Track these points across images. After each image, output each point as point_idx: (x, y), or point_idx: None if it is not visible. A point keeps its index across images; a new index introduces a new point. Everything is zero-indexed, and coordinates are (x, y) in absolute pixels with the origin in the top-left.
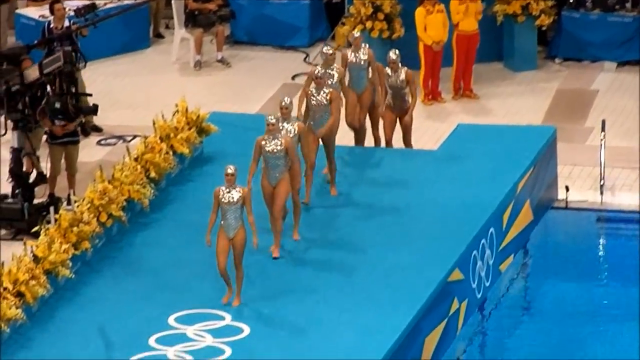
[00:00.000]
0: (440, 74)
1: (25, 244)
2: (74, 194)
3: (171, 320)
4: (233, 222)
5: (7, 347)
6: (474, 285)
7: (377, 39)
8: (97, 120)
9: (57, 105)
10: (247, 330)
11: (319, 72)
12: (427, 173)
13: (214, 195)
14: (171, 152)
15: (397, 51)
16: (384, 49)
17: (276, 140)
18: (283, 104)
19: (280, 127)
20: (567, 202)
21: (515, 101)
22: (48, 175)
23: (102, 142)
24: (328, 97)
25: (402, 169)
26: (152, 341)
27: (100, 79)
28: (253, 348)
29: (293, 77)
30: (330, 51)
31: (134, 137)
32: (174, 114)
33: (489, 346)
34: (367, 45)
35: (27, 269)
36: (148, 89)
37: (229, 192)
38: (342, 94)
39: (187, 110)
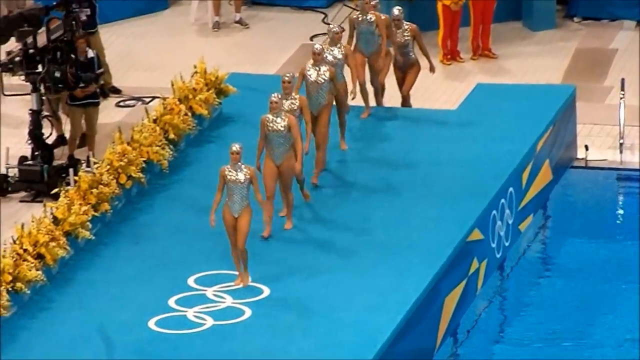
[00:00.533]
0: (459, 34)
1: (44, 205)
2: (93, 156)
3: (191, 281)
4: (238, 201)
5: (27, 308)
6: (494, 245)
7: None
8: (115, 81)
9: (57, 74)
10: (267, 291)
11: (318, 48)
12: (446, 133)
13: (220, 175)
14: (190, 114)
15: (400, 8)
16: (404, 10)
17: (279, 119)
18: (285, 78)
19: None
20: (586, 161)
21: (534, 60)
22: (68, 137)
23: (121, 103)
24: (327, 75)
25: (421, 129)
26: (171, 302)
27: (119, 41)
28: (273, 309)
29: (311, 38)
30: (337, 30)
31: (153, 98)
32: (192, 75)
33: (508, 306)
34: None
35: (47, 230)
36: (166, 51)
37: (234, 170)
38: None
39: (205, 71)
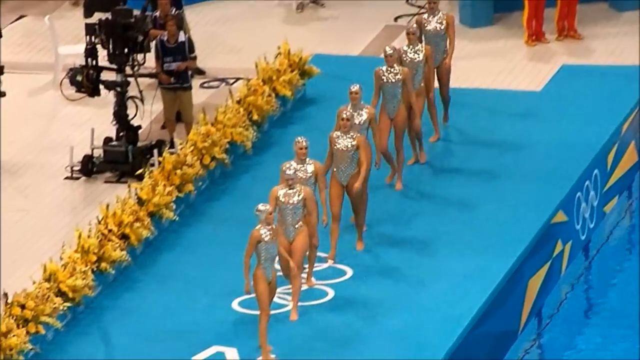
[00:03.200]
0: (545, 14)
1: (129, 186)
2: (172, 139)
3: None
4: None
5: (112, 288)
6: (578, 227)
7: None
8: (200, 63)
9: (79, 77)
10: (349, 272)
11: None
12: (531, 114)
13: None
14: (273, 95)
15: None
16: None
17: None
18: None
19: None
20: None
21: (620, 41)
22: (164, 120)
23: (205, 85)
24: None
25: (505, 110)
26: None
27: (203, 22)
28: (356, 290)
29: (395, 19)
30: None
31: (237, 79)
32: (276, 57)
33: (593, 288)
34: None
35: (132, 211)
36: (250, 32)
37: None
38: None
39: (289, 52)
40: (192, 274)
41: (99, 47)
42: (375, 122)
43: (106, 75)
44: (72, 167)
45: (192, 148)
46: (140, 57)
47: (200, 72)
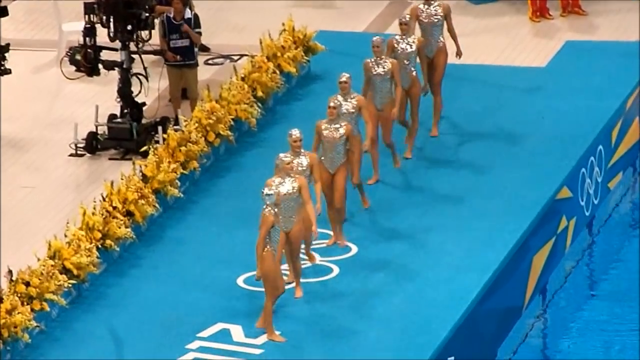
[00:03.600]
0: None
1: (134, 163)
2: (176, 116)
3: None
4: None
5: (117, 265)
6: (583, 203)
7: None
8: (204, 39)
9: (78, 57)
10: (354, 249)
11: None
12: (535, 90)
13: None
14: (278, 71)
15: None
16: None
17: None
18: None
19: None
20: None
21: (624, 17)
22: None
23: (210, 61)
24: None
25: (510, 86)
26: None
27: None
28: (361, 267)
29: None
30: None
31: (241, 56)
32: (280, 33)
33: (597, 263)
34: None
35: (136, 188)
36: (255, 9)
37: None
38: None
39: (293, 29)
40: (197, 251)
41: (98, 26)
42: (367, 110)
43: (107, 56)
44: (76, 144)
45: (196, 125)
46: (145, 34)
47: (205, 49)
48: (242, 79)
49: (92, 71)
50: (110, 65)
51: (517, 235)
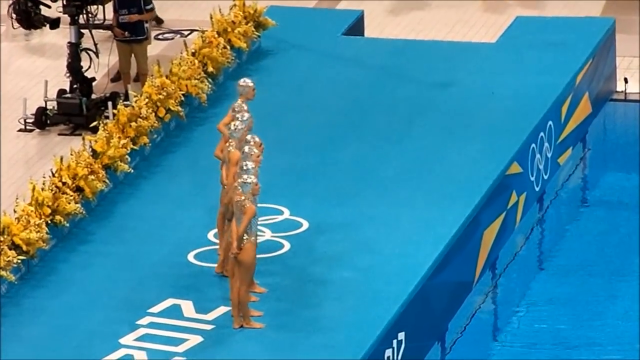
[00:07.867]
0: None
1: (83, 139)
2: (127, 91)
3: None
4: None
5: (66, 241)
6: (533, 179)
7: None
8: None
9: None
10: (305, 224)
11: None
12: (485, 66)
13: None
14: (229, 47)
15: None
16: None
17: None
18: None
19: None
20: (625, 94)
21: None
22: (120, 72)
23: (160, 36)
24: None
25: (460, 62)
26: (210, 236)
27: None
28: (312, 242)
29: None
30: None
31: (192, 31)
32: (231, 8)
33: (547, 238)
34: None
35: (86, 163)
36: None
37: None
38: None
39: (244, 4)
40: (147, 227)
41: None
42: None
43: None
44: (25, 120)
45: (146, 100)
46: (94, 8)
47: (159, 21)
48: (193, 54)
49: (29, 24)
50: (41, 21)
51: (467, 210)
